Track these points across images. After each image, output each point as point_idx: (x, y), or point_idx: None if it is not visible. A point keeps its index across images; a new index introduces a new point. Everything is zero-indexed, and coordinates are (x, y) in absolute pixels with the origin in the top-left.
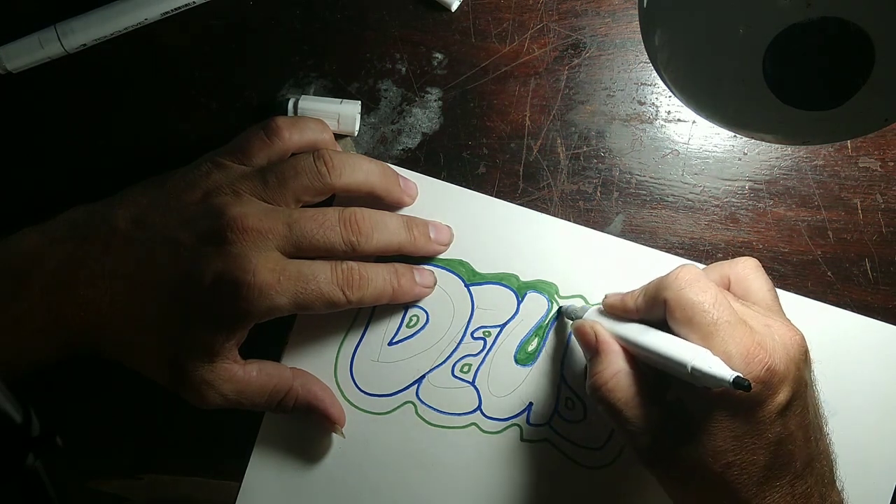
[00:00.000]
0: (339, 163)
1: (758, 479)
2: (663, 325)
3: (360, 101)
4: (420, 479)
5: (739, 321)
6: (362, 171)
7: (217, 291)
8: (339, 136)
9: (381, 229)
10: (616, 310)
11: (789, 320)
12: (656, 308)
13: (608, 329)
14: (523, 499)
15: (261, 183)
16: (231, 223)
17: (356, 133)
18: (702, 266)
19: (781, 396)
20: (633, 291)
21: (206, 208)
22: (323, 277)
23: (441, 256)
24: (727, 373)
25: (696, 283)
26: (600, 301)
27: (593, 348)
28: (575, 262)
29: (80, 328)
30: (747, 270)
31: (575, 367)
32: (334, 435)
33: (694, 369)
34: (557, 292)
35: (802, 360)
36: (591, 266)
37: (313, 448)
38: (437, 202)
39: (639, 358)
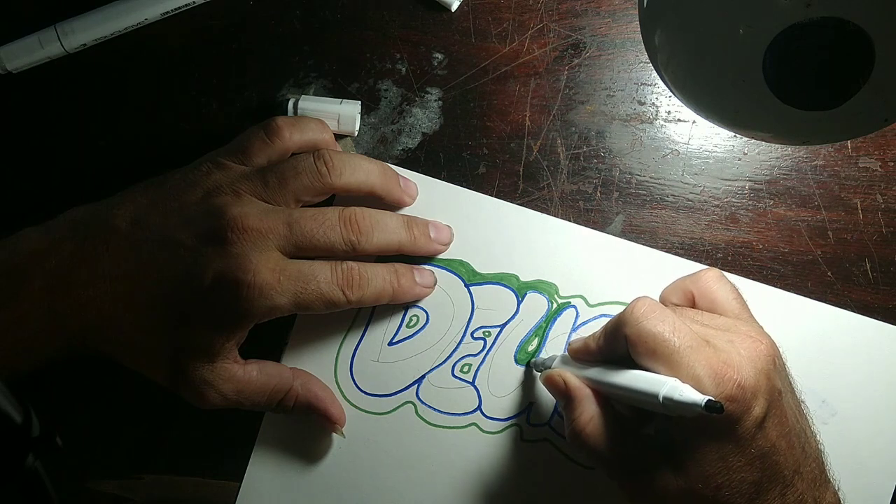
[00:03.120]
0: (339, 163)
1: (749, 496)
2: (629, 361)
3: (360, 101)
4: (420, 479)
5: (702, 343)
6: (362, 171)
7: (217, 291)
8: (339, 136)
9: (382, 229)
10: (580, 354)
11: (759, 327)
12: (618, 345)
13: (577, 374)
14: (523, 499)
15: (261, 183)
16: (231, 223)
17: (356, 133)
18: (702, 266)
19: (757, 410)
20: (594, 333)
21: (206, 208)
22: (323, 277)
23: (441, 256)
24: (698, 397)
25: (653, 313)
26: (565, 348)
27: (565, 396)
28: (575, 262)
29: (80, 328)
30: (710, 283)
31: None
32: (334, 435)
33: (665, 398)
34: (557, 292)
35: (772, 368)
36: (591, 266)
37: (313, 448)
38: (437, 202)
39: (612, 398)
